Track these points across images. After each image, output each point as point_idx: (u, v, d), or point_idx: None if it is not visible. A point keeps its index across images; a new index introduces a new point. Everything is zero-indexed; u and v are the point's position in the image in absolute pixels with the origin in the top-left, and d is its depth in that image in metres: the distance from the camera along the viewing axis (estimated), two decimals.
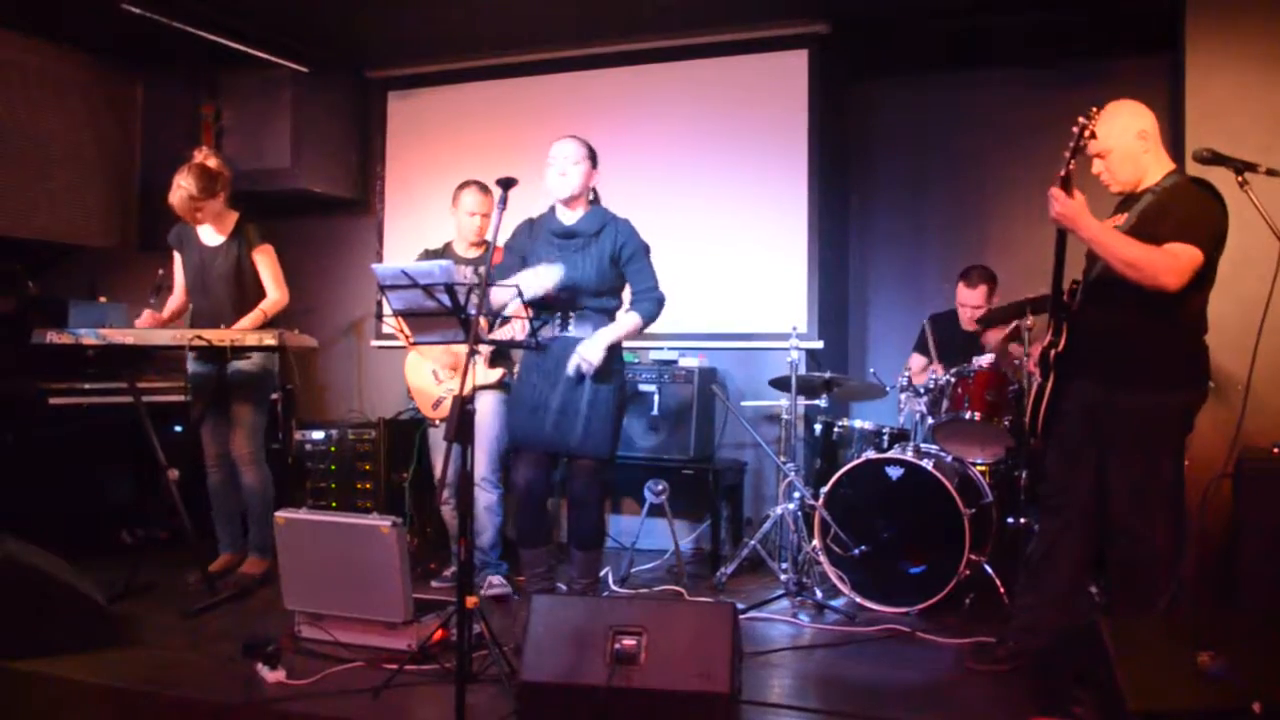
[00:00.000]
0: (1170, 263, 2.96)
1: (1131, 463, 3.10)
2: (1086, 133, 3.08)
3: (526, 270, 3.76)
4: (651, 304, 3.92)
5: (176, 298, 4.65)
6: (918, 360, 5.02)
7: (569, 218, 3.96)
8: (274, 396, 4.93)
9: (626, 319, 3.90)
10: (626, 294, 4.03)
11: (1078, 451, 3.24)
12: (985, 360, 4.40)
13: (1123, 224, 3.16)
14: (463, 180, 4.58)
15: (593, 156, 3.99)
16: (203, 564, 4.28)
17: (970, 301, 4.82)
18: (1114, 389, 3.12)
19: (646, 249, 4.00)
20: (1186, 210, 3.04)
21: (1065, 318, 3.24)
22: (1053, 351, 3.25)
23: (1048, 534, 3.35)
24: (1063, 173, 3.09)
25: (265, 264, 4.50)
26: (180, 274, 4.64)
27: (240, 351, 4.32)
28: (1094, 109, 3.14)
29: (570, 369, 3.78)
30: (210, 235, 4.53)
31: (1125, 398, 3.10)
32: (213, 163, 4.43)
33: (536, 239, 4.02)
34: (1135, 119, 3.18)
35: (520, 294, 3.54)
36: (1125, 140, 3.16)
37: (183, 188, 4.31)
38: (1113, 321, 3.12)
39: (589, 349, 3.80)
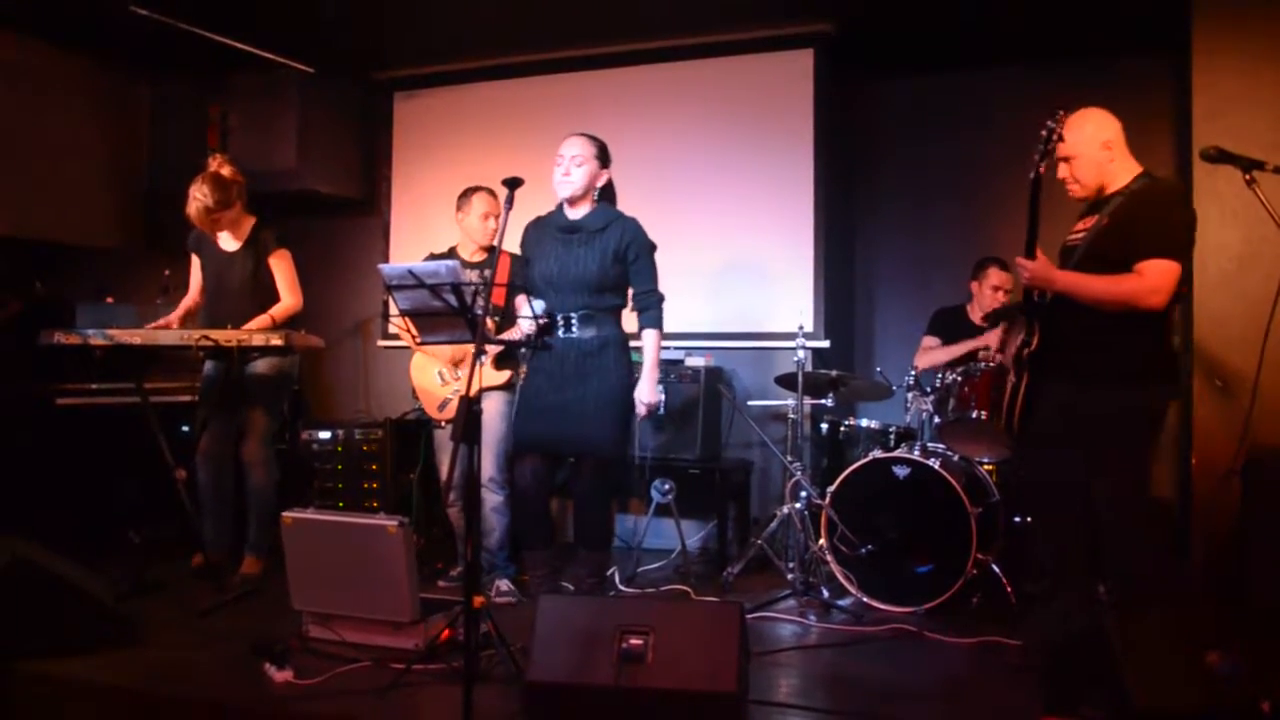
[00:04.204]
0: (1150, 284, 3.01)
1: (1108, 463, 3.11)
2: (1055, 136, 3.11)
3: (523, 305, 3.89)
4: (657, 310, 3.98)
5: (191, 297, 4.64)
6: (930, 340, 5.00)
7: (575, 213, 3.99)
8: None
9: (650, 341, 3.98)
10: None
11: (1055, 451, 3.25)
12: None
13: (1092, 226, 3.18)
14: (470, 186, 4.58)
15: (602, 155, 4.01)
16: (211, 566, 4.30)
17: (1005, 284, 4.85)
18: (1087, 387, 3.13)
19: (652, 247, 4.01)
20: (1157, 220, 3.07)
21: (1037, 317, 3.24)
22: (1026, 351, 3.26)
23: (1048, 537, 3.35)
24: (1034, 170, 3.13)
25: (281, 269, 4.50)
26: (196, 276, 4.64)
27: (250, 354, 4.32)
28: (1060, 112, 3.17)
29: (642, 417, 3.93)
30: (228, 241, 4.52)
31: (1098, 396, 3.11)
32: (226, 171, 4.40)
33: (543, 235, 4.05)
34: (1100, 129, 3.20)
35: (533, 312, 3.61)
36: (1090, 149, 3.19)
37: (198, 200, 4.28)
38: (1084, 321, 3.14)
39: (646, 393, 3.91)
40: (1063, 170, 3.25)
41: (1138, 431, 3.14)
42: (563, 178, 3.94)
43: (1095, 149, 3.18)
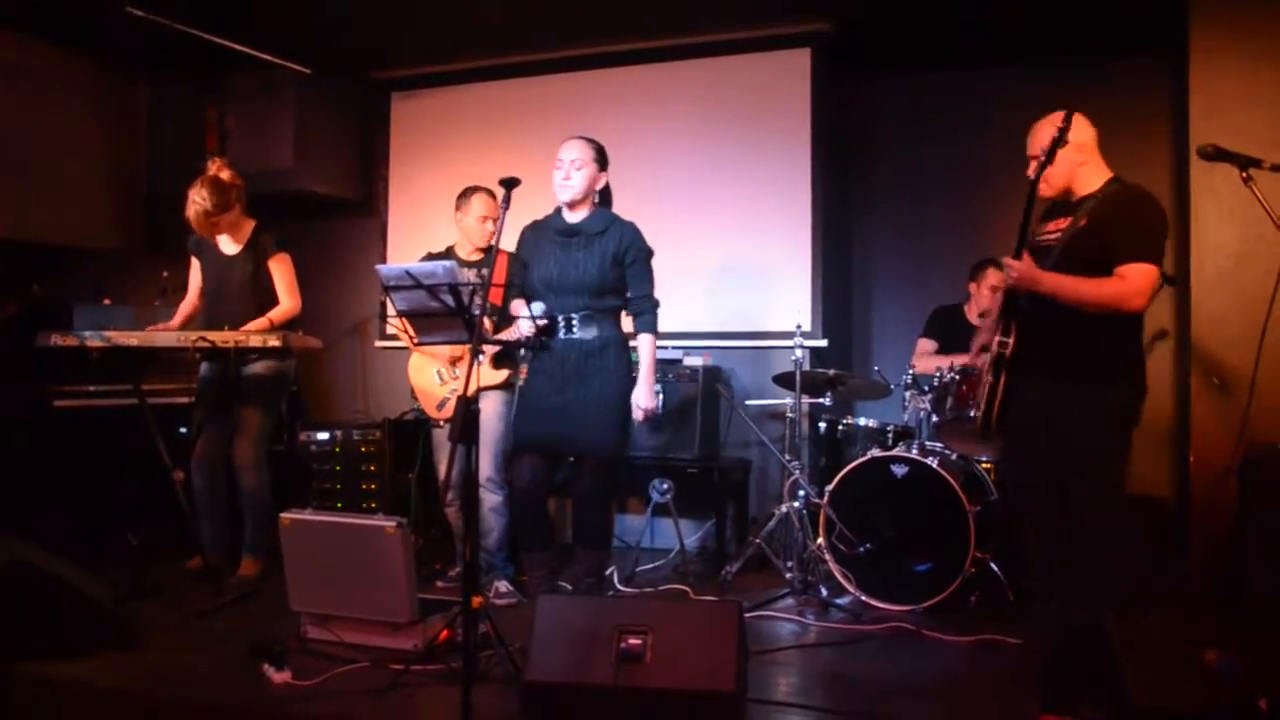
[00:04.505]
0: (1133, 288, 3.09)
1: (1087, 462, 3.16)
2: (1065, 140, 3.15)
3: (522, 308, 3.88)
4: (653, 316, 3.99)
5: (189, 301, 4.64)
6: (927, 344, 5.01)
7: (573, 217, 3.99)
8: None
9: (645, 346, 3.97)
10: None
11: (1031, 451, 3.31)
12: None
13: (1067, 228, 3.23)
14: (469, 186, 4.58)
15: (600, 158, 4.01)
16: (209, 569, 4.30)
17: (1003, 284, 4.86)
18: (1065, 387, 3.18)
19: (649, 253, 4.02)
20: (1134, 225, 3.14)
21: (1016, 318, 3.27)
22: (1004, 352, 3.29)
23: (1033, 539, 3.38)
24: (1033, 176, 3.20)
25: (280, 272, 4.50)
26: (195, 279, 4.64)
27: (248, 355, 4.32)
28: (1071, 115, 3.20)
29: (639, 421, 3.91)
30: (228, 244, 4.53)
31: (1077, 395, 3.16)
32: (225, 175, 4.40)
33: (540, 238, 4.04)
34: (1077, 130, 3.24)
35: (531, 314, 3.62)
36: (1065, 148, 3.22)
37: (197, 203, 4.28)
38: (1064, 322, 3.18)
39: (643, 398, 3.91)
40: (1034, 167, 3.28)
41: (1116, 430, 3.20)
42: (563, 182, 3.94)
43: (1070, 149, 3.23)
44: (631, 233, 3.97)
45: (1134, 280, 3.08)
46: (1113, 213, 3.16)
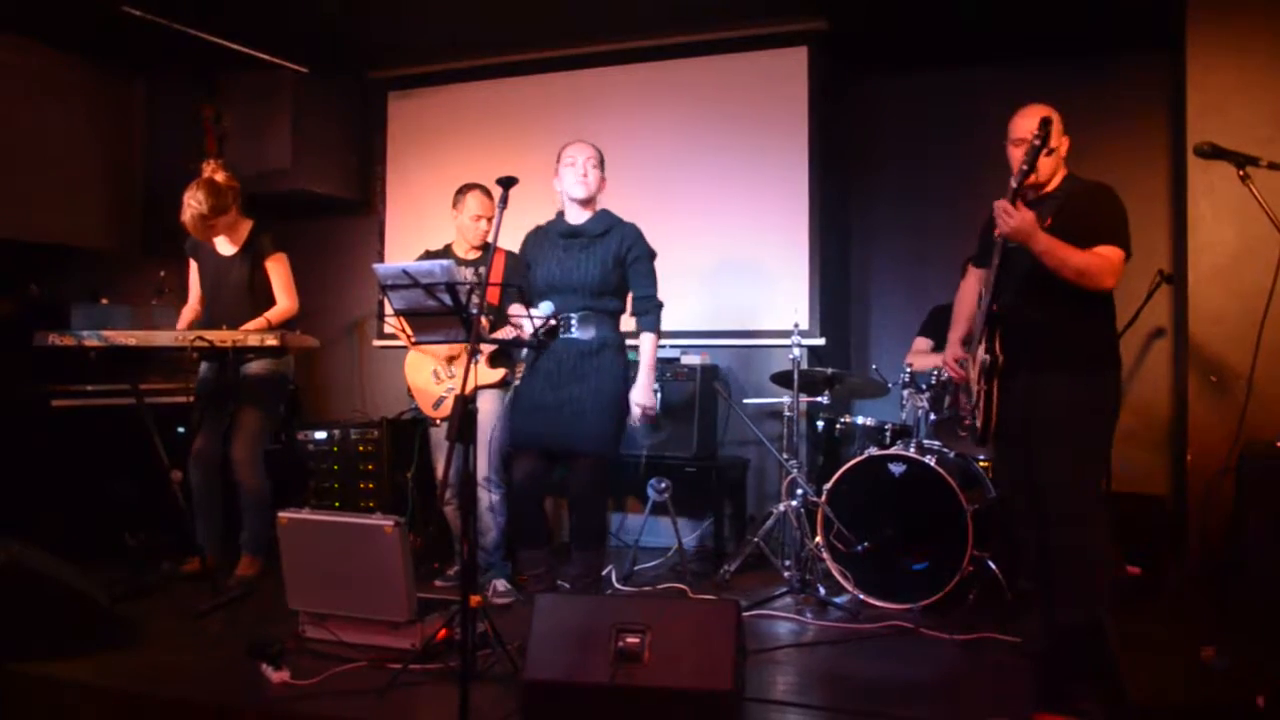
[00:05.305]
0: (1108, 266, 3.21)
1: (1069, 450, 3.23)
2: (1046, 147, 3.22)
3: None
4: (655, 316, 3.99)
5: (192, 306, 4.64)
6: (923, 342, 5.01)
7: (577, 218, 3.98)
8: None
9: (646, 345, 3.97)
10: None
11: (1017, 450, 3.36)
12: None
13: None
14: (465, 184, 4.57)
15: (603, 162, 4.03)
16: (207, 568, 4.30)
17: None
18: (1056, 376, 3.25)
19: (652, 254, 4.02)
20: (1108, 215, 3.26)
21: (997, 322, 3.34)
22: (989, 356, 3.33)
23: (1026, 536, 3.40)
24: (1014, 185, 3.27)
25: (277, 273, 4.50)
26: (195, 281, 4.64)
27: (246, 355, 4.31)
28: (1050, 119, 3.26)
29: (636, 422, 3.93)
30: (225, 245, 4.53)
31: (1070, 383, 3.24)
32: (220, 177, 4.39)
33: (544, 241, 4.04)
34: (1054, 137, 3.31)
35: (531, 318, 3.64)
36: (1045, 155, 3.28)
37: (193, 207, 4.27)
38: (1046, 315, 3.27)
39: (641, 395, 3.91)
40: (1016, 155, 3.34)
41: (1105, 417, 3.30)
42: (581, 179, 3.95)
43: (1053, 155, 3.33)
44: (633, 234, 3.98)
45: (1110, 259, 3.19)
46: (1082, 212, 3.26)
